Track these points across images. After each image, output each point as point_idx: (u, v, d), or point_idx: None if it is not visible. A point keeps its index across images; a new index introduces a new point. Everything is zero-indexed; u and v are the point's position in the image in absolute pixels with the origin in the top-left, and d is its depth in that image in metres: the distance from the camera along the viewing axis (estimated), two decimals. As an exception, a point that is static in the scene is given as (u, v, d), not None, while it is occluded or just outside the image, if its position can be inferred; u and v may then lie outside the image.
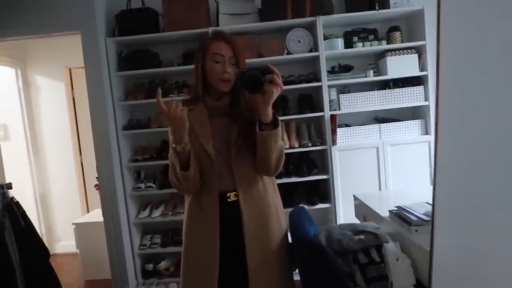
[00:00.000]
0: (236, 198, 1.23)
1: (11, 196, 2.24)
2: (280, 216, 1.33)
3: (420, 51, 2.52)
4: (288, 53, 2.51)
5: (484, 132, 0.62)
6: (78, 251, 3.06)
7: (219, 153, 1.23)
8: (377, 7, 2.44)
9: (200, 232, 1.25)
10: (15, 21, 2.39)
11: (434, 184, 0.71)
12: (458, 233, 0.71)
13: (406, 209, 1.41)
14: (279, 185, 2.49)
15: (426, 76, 2.50)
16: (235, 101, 1.24)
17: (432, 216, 0.73)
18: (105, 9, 2.57)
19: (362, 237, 1.35)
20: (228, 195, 1.23)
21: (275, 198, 1.33)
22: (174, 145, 1.15)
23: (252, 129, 1.18)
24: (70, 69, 3.53)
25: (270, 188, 1.31)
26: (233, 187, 1.23)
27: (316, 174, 2.56)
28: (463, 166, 0.67)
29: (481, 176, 0.64)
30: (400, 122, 2.56)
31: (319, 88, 2.51)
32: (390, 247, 1.31)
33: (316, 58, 2.50)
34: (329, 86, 2.50)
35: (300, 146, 2.54)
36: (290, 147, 2.52)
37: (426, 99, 2.52)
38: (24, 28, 2.40)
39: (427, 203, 1.44)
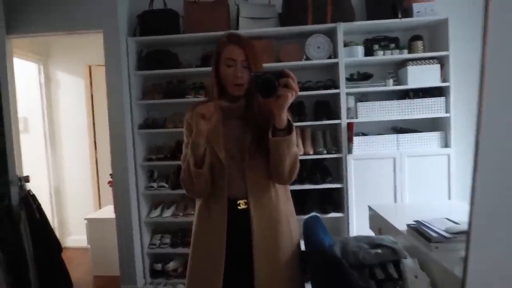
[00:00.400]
0: (246, 206, 1.19)
1: (28, 189, 2.28)
2: (291, 227, 1.29)
3: (442, 62, 2.46)
4: (307, 59, 2.49)
5: None
6: (89, 246, 3.09)
7: (231, 158, 1.20)
8: (400, 16, 2.40)
9: (207, 238, 1.22)
10: (40, 18, 2.45)
11: (472, 203, 0.67)
12: (495, 258, 0.67)
13: (426, 224, 1.36)
14: (292, 192, 2.48)
15: (448, 87, 2.44)
16: (249, 105, 1.21)
17: (468, 235, 0.69)
18: (128, 9, 2.61)
19: (379, 251, 1.31)
20: (238, 202, 1.19)
21: (287, 208, 1.29)
22: (194, 140, 1.11)
23: (266, 134, 1.15)
24: (90, 66, 3.58)
25: (282, 196, 1.27)
26: (244, 194, 1.19)
27: (330, 182, 2.53)
28: (505, 184, 0.63)
29: None
30: (419, 133, 2.50)
31: (337, 95, 2.48)
32: (409, 263, 1.26)
33: (335, 65, 2.47)
34: (347, 94, 2.47)
35: (314, 153, 2.51)
36: (305, 154, 2.50)
37: (447, 110, 2.46)
38: (49, 25, 2.45)
39: (448, 219, 1.40)
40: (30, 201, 2.22)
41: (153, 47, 2.64)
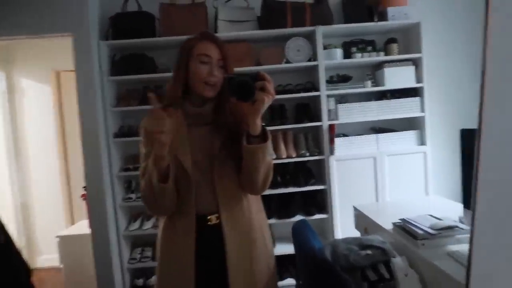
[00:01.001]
0: (217, 221, 1.09)
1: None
2: (266, 238, 1.20)
3: (416, 63, 2.54)
4: (287, 62, 2.49)
5: None
6: (62, 266, 2.90)
7: (197, 169, 1.09)
8: (375, 19, 2.45)
9: (174, 259, 1.11)
10: (3, 21, 2.27)
11: (474, 201, 0.67)
12: (498, 252, 0.66)
13: (411, 221, 1.38)
14: (276, 195, 2.48)
15: (422, 87, 2.53)
16: (219, 109, 1.11)
17: (471, 230, 0.68)
18: (99, 11, 2.48)
19: (369, 252, 1.31)
20: (208, 217, 1.09)
21: (260, 218, 1.20)
22: (156, 153, 0.98)
23: (237, 141, 1.06)
24: (58, 72, 3.39)
25: (255, 207, 1.18)
26: (215, 208, 1.09)
27: (313, 184, 2.53)
28: (507, 182, 0.63)
29: None
30: (397, 132, 2.56)
31: (317, 97, 2.49)
32: (398, 262, 1.27)
33: (315, 68, 2.48)
34: (327, 96, 2.49)
35: (297, 156, 2.50)
36: (288, 157, 2.48)
37: (422, 110, 2.54)
38: (13, 28, 2.28)
39: (431, 215, 1.42)
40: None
41: (128, 51, 2.53)
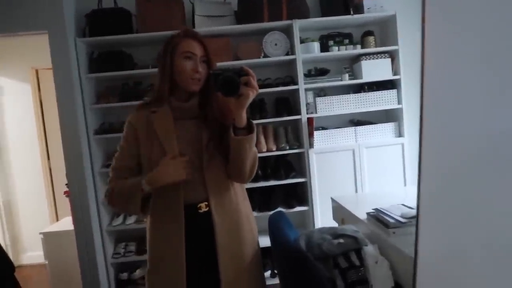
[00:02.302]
0: (207, 209, 1.15)
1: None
2: (252, 224, 1.28)
3: (393, 55, 2.59)
4: (265, 56, 2.51)
5: (468, 131, 0.63)
6: (47, 262, 2.90)
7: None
8: (351, 12, 2.48)
9: (165, 249, 1.15)
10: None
11: (419, 186, 0.71)
12: (442, 236, 0.71)
13: (384, 211, 1.43)
14: (257, 188, 2.52)
15: (399, 79, 2.57)
16: (205, 103, 1.17)
17: (417, 219, 0.73)
18: (75, 8, 2.46)
19: (341, 241, 1.36)
20: (199, 205, 1.15)
21: (246, 206, 1.27)
22: (148, 187, 1.09)
23: (223, 133, 1.13)
24: (37, 70, 3.34)
25: (241, 196, 1.25)
26: (204, 196, 1.15)
27: (294, 177, 2.57)
28: (447, 167, 0.68)
29: (465, 177, 0.65)
30: (375, 125, 2.61)
31: (296, 91, 2.52)
32: (369, 250, 1.32)
33: (293, 61, 2.51)
34: (306, 89, 2.52)
35: (277, 149, 2.54)
36: (268, 151, 2.51)
37: (399, 102, 2.59)
38: (-14, 26, 2.25)
39: (404, 205, 1.48)
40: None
41: (105, 48, 2.51)
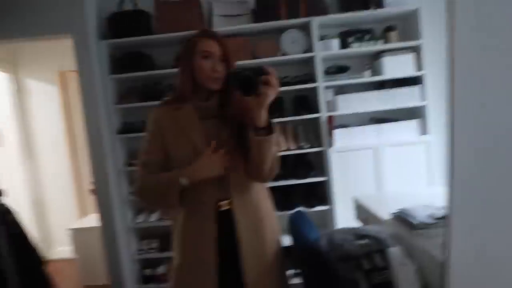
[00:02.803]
0: (228, 207, 1.17)
1: (3, 202, 2.19)
2: (273, 223, 1.29)
3: (416, 51, 2.50)
4: (283, 54, 2.49)
5: (503, 127, 0.60)
6: (75, 257, 3.02)
7: None
8: (372, 7, 2.42)
9: (195, 246, 1.18)
10: (5, 25, 2.33)
11: (449, 186, 0.68)
12: (476, 239, 0.68)
13: (409, 211, 1.39)
14: (276, 188, 2.52)
15: (423, 76, 2.48)
16: (224, 102, 1.17)
17: (448, 221, 0.70)
18: (96, 12, 2.52)
19: (364, 241, 1.33)
20: (219, 203, 1.16)
21: (267, 205, 1.28)
22: (186, 181, 1.11)
23: (243, 132, 1.13)
24: (63, 73, 3.46)
25: (262, 194, 1.26)
26: (226, 195, 1.17)
27: (314, 176, 2.54)
28: (481, 165, 0.65)
29: (500, 176, 0.61)
30: (398, 122, 2.54)
31: (315, 89, 2.49)
32: (394, 251, 1.29)
33: (312, 59, 2.48)
34: (325, 87, 2.48)
35: (297, 148, 2.52)
36: (287, 149, 2.50)
37: (423, 99, 2.51)
38: (14, 32, 2.34)
39: (430, 205, 1.43)
40: (7, 215, 2.13)
41: (126, 50, 2.57)
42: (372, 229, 1.40)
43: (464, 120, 0.66)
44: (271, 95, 1.02)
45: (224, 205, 1.17)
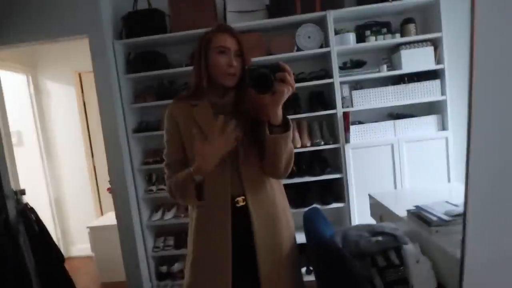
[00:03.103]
0: (244, 203, 1.16)
1: (25, 202, 2.26)
2: (288, 219, 1.28)
3: (436, 44, 2.42)
4: (298, 49, 2.45)
5: None
6: (93, 254, 3.08)
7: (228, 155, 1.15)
8: (389, -1, 2.35)
9: (210, 241, 1.17)
10: (23, 28, 2.40)
11: (466, 185, 0.65)
12: (493, 238, 0.65)
13: (425, 208, 1.35)
14: (292, 185, 2.49)
15: (442, 69, 2.40)
16: (240, 98, 1.17)
17: (464, 219, 0.67)
18: (112, 12, 2.56)
19: (380, 238, 1.30)
20: (236, 199, 1.16)
21: (282, 201, 1.27)
22: (195, 176, 1.07)
23: (258, 129, 1.12)
24: (79, 74, 3.55)
25: (277, 190, 1.25)
26: (241, 191, 1.16)
27: (329, 173, 2.51)
28: (500, 162, 0.61)
29: None
30: (416, 118, 2.47)
31: (331, 85, 2.45)
32: (410, 249, 1.25)
33: (327, 54, 2.43)
34: (341, 83, 2.44)
35: (312, 145, 2.48)
36: (302, 146, 2.47)
37: (443, 93, 2.43)
38: (32, 34, 2.41)
39: (447, 202, 1.38)
40: (28, 214, 2.20)
41: (141, 49, 2.60)
42: (387, 226, 1.36)
43: (483, 117, 0.63)
44: (287, 92, 1.01)
45: (240, 201, 1.16)
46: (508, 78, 0.60)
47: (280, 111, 1.05)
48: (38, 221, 2.28)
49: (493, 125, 0.64)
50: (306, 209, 2.49)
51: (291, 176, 2.47)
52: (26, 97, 3.51)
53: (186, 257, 1.27)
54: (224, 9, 2.45)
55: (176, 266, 2.67)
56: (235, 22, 2.40)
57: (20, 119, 3.45)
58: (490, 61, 0.63)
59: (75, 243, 3.73)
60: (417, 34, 2.47)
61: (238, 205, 1.16)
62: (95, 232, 3.04)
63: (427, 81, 2.44)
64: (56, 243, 2.42)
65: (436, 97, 2.43)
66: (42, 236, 2.27)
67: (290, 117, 1.10)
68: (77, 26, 2.38)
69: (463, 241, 0.67)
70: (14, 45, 2.44)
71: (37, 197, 3.19)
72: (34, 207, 2.29)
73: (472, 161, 0.65)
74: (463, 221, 0.68)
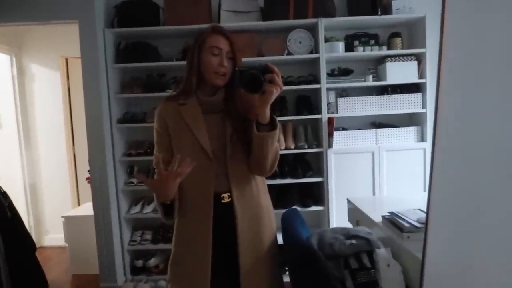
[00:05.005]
0: (230, 199, 1.19)
1: (-1, 186, 2.19)
2: (271, 217, 1.31)
3: (420, 58, 2.52)
4: (289, 53, 2.50)
5: (481, 137, 0.61)
6: (67, 245, 3.01)
7: (212, 152, 1.18)
8: (379, 13, 2.43)
9: (192, 235, 1.19)
10: (12, 7, 2.34)
11: (429, 191, 0.70)
12: (451, 241, 0.69)
13: (399, 215, 1.41)
14: (273, 186, 2.52)
15: (424, 83, 2.51)
16: (229, 97, 1.20)
17: (426, 223, 0.71)
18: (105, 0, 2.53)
19: (354, 241, 1.34)
20: (222, 196, 1.19)
21: (266, 199, 1.30)
22: (160, 202, 1.13)
23: (247, 127, 1.15)
24: (66, 59, 3.47)
25: (262, 188, 1.28)
26: (227, 187, 1.19)
27: (311, 176, 2.55)
28: (459, 172, 0.66)
29: (477, 183, 0.63)
30: (397, 128, 2.56)
31: (318, 90, 2.50)
32: (382, 253, 1.30)
33: (316, 60, 2.49)
34: (328, 89, 2.50)
35: (296, 148, 2.53)
36: (286, 148, 2.51)
37: (424, 106, 2.53)
38: (21, 14, 2.35)
39: (420, 210, 1.44)
40: (1, 199, 2.13)
41: (132, 39, 2.58)
42: (362, 230, 1.41)
43: (446, 130, 0.68)
44: (275, 93, 1.05)
45: (226, 197, 1.19)
46: (472, 97, 0.65)
47: (268, 111, 1.09)
48: (11, 206, 2.21)
49: (455, 138, 0.68)
50: (285, 210, 2.52)
51: (273, 177, 2.50)
52: (8, 79, 3.39)
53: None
54: (219, 7, 2.47)
55: (153, 261, 2.65)
56: (229, 22, 2.42)
57: (0, 100, 3.34)
58: (455, 76, 0.68)
59: (49, 232, 3.63)
60: (403, 48, 2.56)
61: (223, 201, 1.18)
62: (70, 222, 2.97)
63: (410, 94, 2.53)
64: (28, 230, 2.36)
65: (417, 109, 2.53)
66: (14, 222, 2.21)
67: (277, 119, 1.14)
68: (68, 10, 2.35)
69: (424, 244, 0.71)
70: (1, 24, 2.37)
71: (11, 182, 3.09)
72: (7, 192, 2.23)
73: (435, 171, 0.69)
74: (425, 227, 0.72)
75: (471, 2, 0.63)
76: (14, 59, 3.41)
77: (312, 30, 2.51)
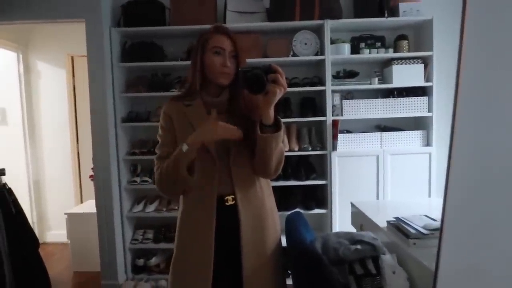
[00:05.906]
0: (233, 202, 1.18)
1: (3, 182, 2.20)
2: (275, 220, 1.30)
3: (426, 61, 2.50)
4: (294, 55, 2.49)
5: (502, 143, 0.60)
6: (69, 241, 3.02)
7: (216, 153, 1.17)
8: (386, 15, 2.42)
9: (194, 238, 1.18)
10: (19, 5, 2.35)
11: (445, 198, 0.68)
12: (466, 251, 0.68)
13: (405, 221, 1.39)
14: (276, 188, 2.51)
15: (431, 87, 2.48)
16: (234, 98, 1.19)
17: (441, 232, 0.70)
18: (112, -1, 2.54)
19: (359, 247, 1.32)
20: (225, 198, 1.17)
21: (271, 201, 1.29)
22: (186, 147, 1.08)
23: (251, 128, 1.13)
24: (72, 57, 3.49)
25: (266, 190, 1.27)
26: (231, 190, 1.17)
27: (314, 179, 2.54)
28: (477, 180, 0.65)
29: (495, 192, 0.61)
30: (402, 131, 2.54)
31: (323, 92, 2.49)
32: (387, 259, 1.28)
33: (322, 62, 2.47)
34: (333, 91, 2.48)
35: (300, 150, 2.52)
36: (290, 150, 2.50)
37: (430, 110, 2.50)
38: (28, 12, 2.36)
39: (427, 216, 1.42)
40: (5, 195, 2.14)
41: (138, 39, 2.58)
42: (367, 235, 1.39)
43: (464, 135, 0.67)
44: (279, 93, 1.04)
45: (230, 200, 1.18)
46: (491, 100, 0.63)
47: (272, 112, 1.07)
48: (16, 203, 2.22)
49: (474, 143, 0.67)
50: (289, 212, 2.51)
51: (276, 179, 2.49)
52: (15, 75, 3.41)
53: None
54: (225, 7, 2.46)
55: (154, 260, 2.65)
56: (234, 22, 2.42)
57: (6, 97, 3.36)
58: (476, 82, 0.66)
59: (51, 229, 3.65)
60: (409, 51, 2.54)
61: (227, 203, 1.17)
62: (73, 219, 2.98)
63: (416, 97, 2.51)
64: (32, 226, 2.37)
65: (423, 113, 2.51)
66: (19, 218, 2.22)
67: (281, 120, 1.12)
68: (75, 9, 2.35)
69: (438, 253, 0.70)
70: (8, 22, 2.38)
71: (16, 178, 3.10)
72: (12, 188, 2.24)
73: (452, 176, 0.68)
74: (439, 233, 0.71)
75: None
76: (21, 56, 3.43)
77: (318, 31, 2.50)
